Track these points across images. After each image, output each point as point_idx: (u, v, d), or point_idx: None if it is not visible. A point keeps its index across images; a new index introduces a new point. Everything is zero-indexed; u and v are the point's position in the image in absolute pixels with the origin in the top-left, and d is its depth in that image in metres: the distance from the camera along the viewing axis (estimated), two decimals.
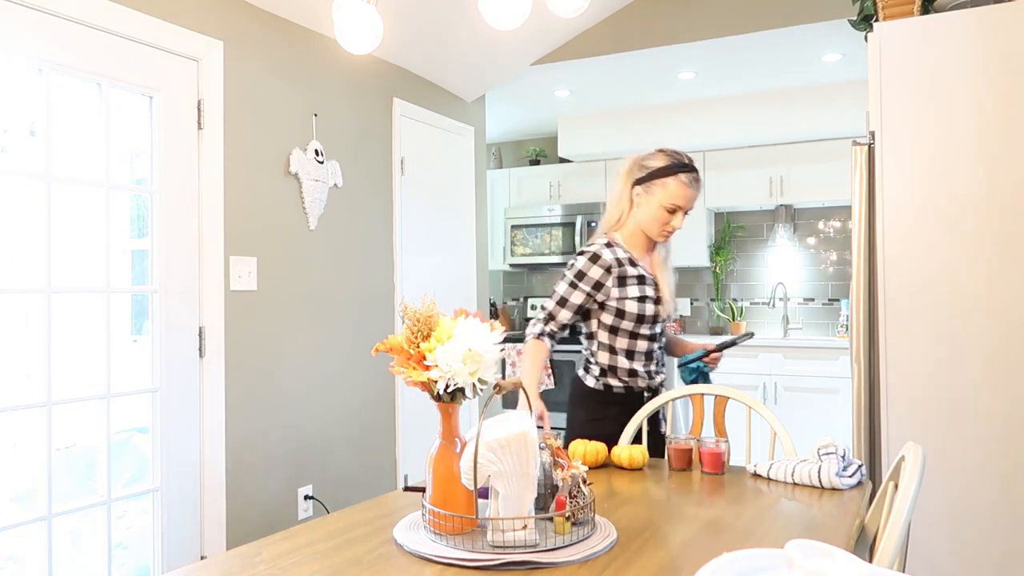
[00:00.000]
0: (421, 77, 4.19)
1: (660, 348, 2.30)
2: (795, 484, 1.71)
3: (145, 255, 2.75)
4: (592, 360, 2.25)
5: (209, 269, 2.89)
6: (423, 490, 1.50)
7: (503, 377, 1.47)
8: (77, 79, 2.53)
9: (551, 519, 1.37)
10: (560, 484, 1.38)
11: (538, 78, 4.74)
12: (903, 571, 1.18)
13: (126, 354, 2.81)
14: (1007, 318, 2.23)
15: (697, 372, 2.29)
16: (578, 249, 2.28)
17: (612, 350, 2.21)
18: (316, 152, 3.41)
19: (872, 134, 2.42)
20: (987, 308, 2.26)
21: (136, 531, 2.77)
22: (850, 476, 1.65)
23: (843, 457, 1.66)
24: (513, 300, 6.51)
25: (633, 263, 2.21)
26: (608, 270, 2.16)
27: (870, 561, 1.25)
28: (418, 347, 1.40)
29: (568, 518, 1.35)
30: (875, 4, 2.53)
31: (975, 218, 2.29)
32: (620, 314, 2.18)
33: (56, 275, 2.41)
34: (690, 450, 1.95)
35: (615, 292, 2.16)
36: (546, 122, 5.95)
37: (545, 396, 5.50)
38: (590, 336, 2.26)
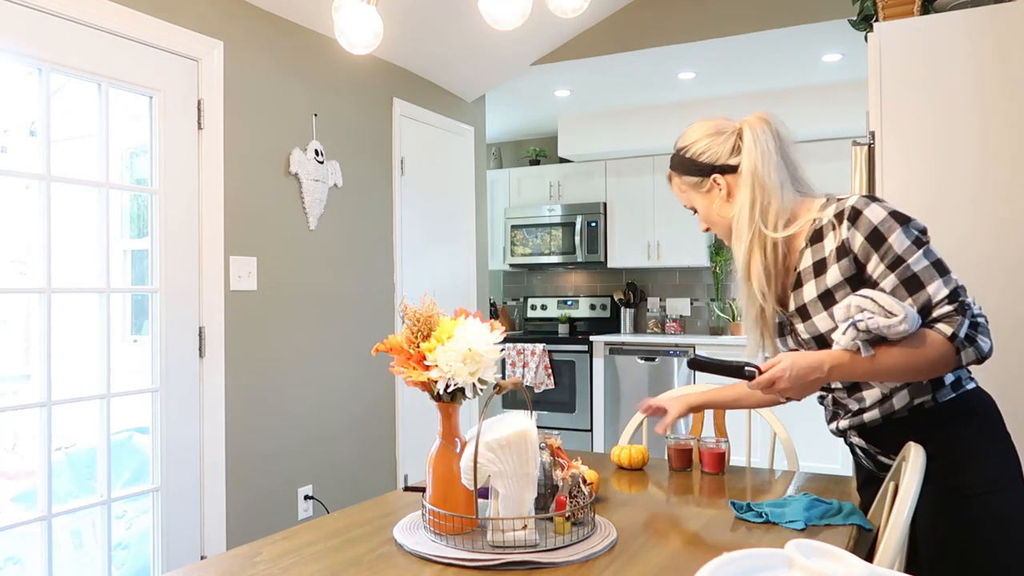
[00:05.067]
0: (421, 77, 4.19)
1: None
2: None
3: (145, 255, 2.76)
4: None
5: (209, 269, 2.89)
6: (423, 490, 1.50)
7: (503, 377, 1.47)
8: (77, 79, 2.53)
9: (551, 519, 1.37)
10: (560, 484, 1.38)
11: (538, 78, 4.74)
12: (903, 571, 1.18)
13: (126, 354, 2.81)
14: (1006, 318, 2.23)
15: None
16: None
17: None
18: (316, 152, 3.41)
19: (872, 134, 2.42)
20: (986, 308, 2.26)
21: (136, 531, 2.77)
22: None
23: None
24: (513, 300, 6.51)
25: None
26: None
27: (870, 561, 1.25)
28: (418, 347, 1.40)
29: (568, 518, 1.35)
30: (875, 4, 2.53)
31: (975, 218, 2.29)
32: None
33: (56, 275, 2.41)
34: (690, 450, 1.95)
35: None
36: (546, 122, 5.95)
37: (545, 396, 5.50)
38: None
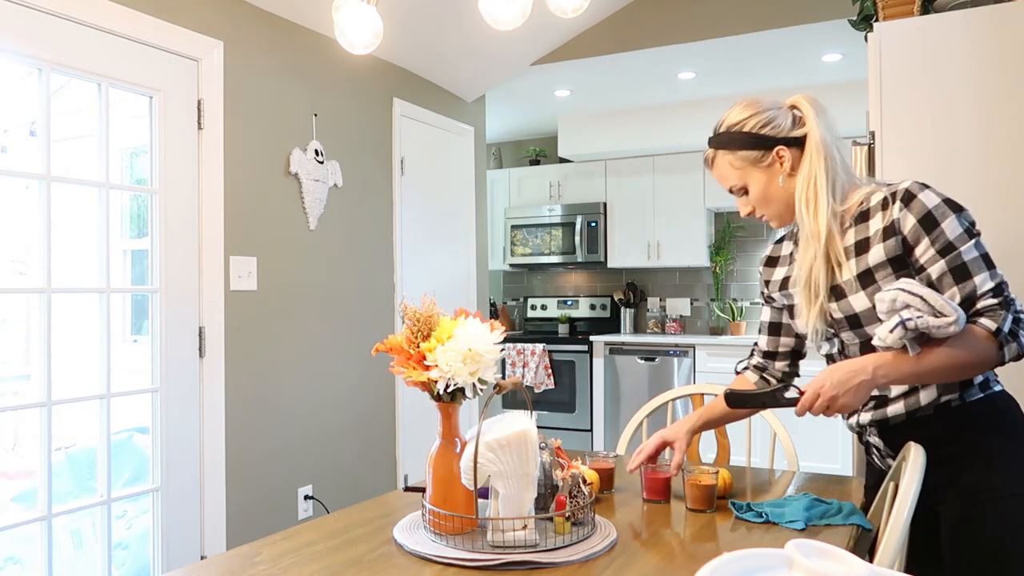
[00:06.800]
0: (421, 77, 4.19)
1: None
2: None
3: (145, 255, 2.76)
4: None
5: (209, 269, 2.89)
6: (423, 490, 1.50)
7: (503, 377, 1.47)
8: (77, 79, 2.53)
9: (551, 519, 1.37)
10: (560, 484, 1.38)
11: (538, 78, 4.74)
12: (903, 571, 1.18)
13: (126, 354, 2.81)
14: None
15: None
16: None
17: None
18: (316, 152, 3.41)
19: (872, 134, 2.42)
20: None
21: (136, 531, 2.77)
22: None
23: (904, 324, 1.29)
24: (513, 300, 6.51)
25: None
26: None
27: (870, 561, 1.25)
28: (418, 347, 1.40)
29: (568, 518, 1.35)
30: (875, 4, 2.53)
31: (975, 217, 2.29)
32: None
33: (56, 275, 2.41)
34: (669, 478, 1.66)
35: None
36: (546, 122, 5.95)
37: (545, 396, 5.50)
38: None
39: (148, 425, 2.74)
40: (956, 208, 1.34)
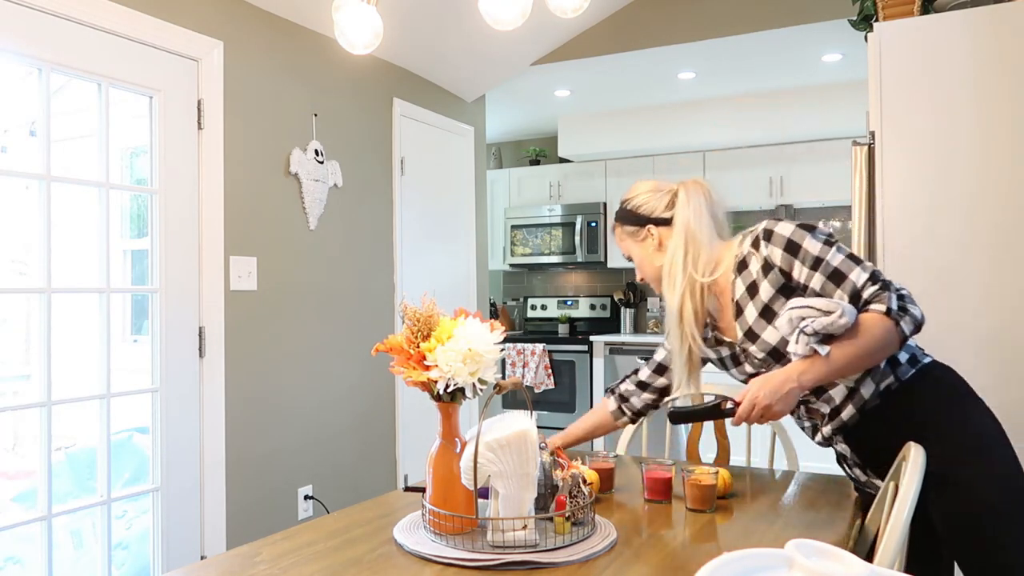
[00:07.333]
0: (421, 77, 4.19)
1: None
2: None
3: (145, 255, 2.76)
4: None
5: (209, 269, 2.89)
6: (423, 490, 1.50)
7: (503, 377, 1.47)
8: (77, 79, 2.53)
9: (551, 519, 1.37)
10: (560, 484, 1.38)
11: (538, 78, 4.74)
12: (903, 571, 1.18)
13: (126, 354, 2.81)
14: (1006, 317, 2.23)
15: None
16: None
17: None
18: (316, 152, 3.40)
19: (872, 134, 2.42)
20: (986, 307, 2.26)
21: (136, 531, 2.77)
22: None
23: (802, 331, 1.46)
24: (513, 300, 6.50)
25: None
26: None
27: (870, 561, 1.25)
28: (418, 347, 1.40)
29: (568, 518, 1.35)
30: (875, 4, 2.53)
31: (975, 218, 2.29)
32: None
33: (56, 275, 2.41)
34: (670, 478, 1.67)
35: None
36: (546, 122, 5.95)
37: (545, 396, 5.50)
38: None
39: (148, 425, 2.73)
40: (809, 228, 1.52)
